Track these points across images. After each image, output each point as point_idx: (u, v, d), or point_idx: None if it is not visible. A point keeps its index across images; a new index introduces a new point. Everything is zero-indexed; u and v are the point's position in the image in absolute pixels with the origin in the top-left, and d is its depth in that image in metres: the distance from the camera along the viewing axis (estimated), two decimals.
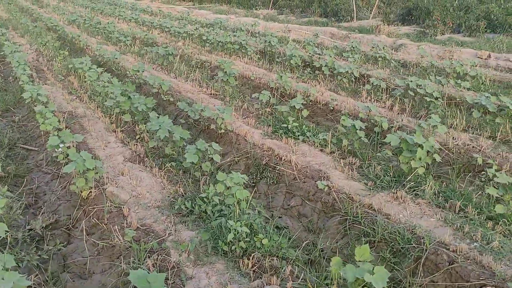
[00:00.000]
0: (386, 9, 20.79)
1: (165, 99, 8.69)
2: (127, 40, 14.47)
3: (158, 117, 6.38)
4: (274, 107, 7.72)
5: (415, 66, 10.91)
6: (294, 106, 7.09)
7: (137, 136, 6.88)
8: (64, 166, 5.79)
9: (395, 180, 5.15)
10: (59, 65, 11.99)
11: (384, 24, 17.72)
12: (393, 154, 5.45)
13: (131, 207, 4.79)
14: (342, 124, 6.03)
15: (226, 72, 8.89)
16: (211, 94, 9.24)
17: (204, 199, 4.59)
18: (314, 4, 22.93)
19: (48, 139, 6.84)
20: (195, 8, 28.32)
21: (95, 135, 6.97)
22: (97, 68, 10.26)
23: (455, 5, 18.45)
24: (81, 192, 5.09)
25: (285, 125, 6.79)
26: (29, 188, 5.76)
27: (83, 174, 5.00)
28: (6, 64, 12.61)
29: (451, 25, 16.80)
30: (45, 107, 7.24)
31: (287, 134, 6.67)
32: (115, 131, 7.14)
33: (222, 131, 6.82)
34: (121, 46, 14.58)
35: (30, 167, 6.38)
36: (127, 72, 10.72)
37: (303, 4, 24.08)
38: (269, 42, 12.77)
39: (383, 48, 12.45)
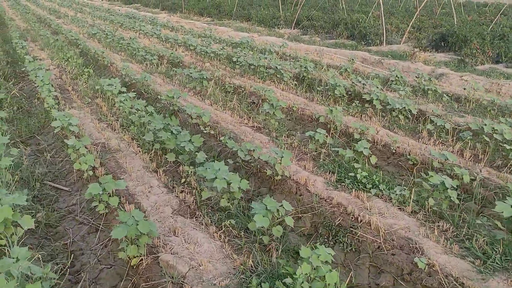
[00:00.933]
0: (417, 34, 20.05)
1: (205, 131, 7.89)
2: (153, 59, 13.76)
3: (210, 161, 5.58)
4: (333, 149, 6.87)
5: (470, 102, 10.07)
6: (360, 151, 6.25)
7: (183, 180, 6.05)
8: (104, 216, 4.99)
9: (507, 259, 4.28)
10: (84, 85, 11.26)
11: (419, 51, 16.94)
12: (503, 227, 4.59)
13: (193, 285, 3.94)
14: (427, 181, 5.18)
15: (272, 104, 8.09)
16: (253, 127, 8.44)
17: (289, 285, 3.72)
18: (341, 26, 22.22)
19: (81, 177, 6.08)
20: (215, 24, 27.71)
21: (134, 175, 6.15)
22: (125, 90, 9.54)
23: (489, 32, 17.69)
24: (130, 259, 4.26)
25: (352, 174, 5.95)
26: (63, 244, 4.93)
27: (135, 238, 4.17)
28: (27, 81, 11.90)
29: (490, 54, 16.01)
30: (78, 140, 6.46)
31: (356, 185, 5.83)
32: (157, 172, 6.33)
33: (279, 177, 5.99)
34: (147, 64, 13.86)
35: (62, 213, 5.56)
36: (158, 97, 9.96)
37: (328, 25, 23.39)
38: (305, 67, 12.00)
39: (429, 79, 11.64)
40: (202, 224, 4.95)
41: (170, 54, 14.66)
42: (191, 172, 6.07)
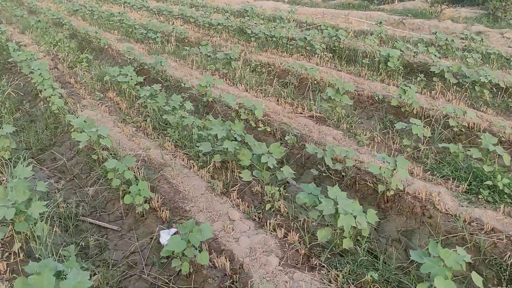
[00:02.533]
0: None
1: (260, 129, 6.44)
2: (157, 36, 12.02)
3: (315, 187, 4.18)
4: (438, 144, 5.51)
5: None
6: (486, 148, 4.91)
7: (267, 207, 4.63)
8: (188, 277, 3.62)
9: None
10: (87, 76, 9.56)
11: (446, 7, 15.50)
12: None
13: None
14: None
15: (338, 88, 6.64)
16: (312, 117, 7.00)
17: None
18: None
19: (130, 209, 4.64)
20: None
21: (201, 203, 4.71)
22: (141, 79, 7.97)
23: None
24: None
25: (489, 182, 4.62)
26: None
27: None
28: (16, 73, 10.11)
29: None
30: (117, 159, 4.96)
31: (500, 198, 4.51)
32: (228, 195, 4.90)
33: (391, 192, 4.64)
34: (150, 44, 12.12)
35: (121, 268, 4.12)
36: (182, 84, 8.39)
37: None
38: (336, 36, 10.47)
39: (471, 38, 10.28)
40: (332, 282, 3.58)
41: (173, 29, 12.91)
42: (277, 194, 4.65)
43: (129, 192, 4.56)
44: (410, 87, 6.71)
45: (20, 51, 9.90)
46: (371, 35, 11.15)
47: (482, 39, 10.23)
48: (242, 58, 10.09)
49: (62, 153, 6.45)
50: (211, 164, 5.39)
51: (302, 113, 7.12)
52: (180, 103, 6.60)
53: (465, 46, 10.39)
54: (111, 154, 5.77)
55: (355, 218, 3.69)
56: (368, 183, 4.90)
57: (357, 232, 3.89)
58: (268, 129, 6.41)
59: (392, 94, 7.60)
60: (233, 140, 5.14)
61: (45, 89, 7.57)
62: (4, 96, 8.15)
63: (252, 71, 9.43)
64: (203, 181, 5.17)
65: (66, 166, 6.07)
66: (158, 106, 6.76)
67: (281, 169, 4.69)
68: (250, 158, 4.77)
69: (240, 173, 5.01)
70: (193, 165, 5.49)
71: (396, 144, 5.94)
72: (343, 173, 5.14)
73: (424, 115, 6.74)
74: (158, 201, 4.70)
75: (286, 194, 4.81)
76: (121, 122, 7.06)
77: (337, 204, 3.77)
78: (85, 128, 5.69)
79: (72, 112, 7.37)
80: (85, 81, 9.19)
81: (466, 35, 10.49)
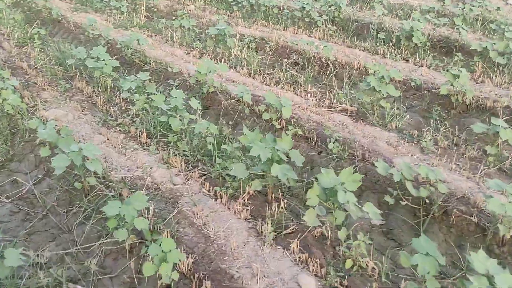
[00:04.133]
0: None
1: (289, 132, 5.01)
2: (121, 6, 10.11)
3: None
4: None
5: None
6: None
7: (348, 263, 3.27)
8: None
9: None
10: (41, 57, 7.66)
11: None
12: None
13: None
14: None
15: (383, 76, 5.27)
16: (345, 111, 5.63)
17: None
18: None
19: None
20: None
21: (251, 261, 3.29)
22: (118, 63, 6.31)
23: None
24: None
25: None
26: None
27: None
28: None
29: None
30: (105, 185, 3.44)
31: None
32: (280, 241, 3.49)
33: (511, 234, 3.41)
34: (115, 15, 10.19)
35: None
36: (169, 69, 6.77)
37: None
38: (337, 4, 9.03)
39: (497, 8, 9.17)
40: None
41: None
42: (363, 246, 3.30)
43: (147, 253, 3.07)
44: (463, 73, 5.46)
45: None
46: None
47: (499, 7, 9.11)
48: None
49: (26, 172, 4.78)
50: (246, 192, 3.95)
51: (330, 107, 5.73)
52: (184, 100, 5.02)
53: (478, 15, 9.25)
54: (99, 179, 4.18)
55: None
56: (467, 216, 3.64)
57: None
58: (300, 132, 4.99)
59: (429, 78, 6.36)
60: (278, 161, 3.72)
61: None
62: None
63: (246, 48, 7.86)
64: (239, 219, 3.74)
65: (34, 193, 4.43)
66: (153, 105, 5.15)
67: (358, 205, 3.32)
68: (318, 194, 3.35)
69: (287, 203, 3.61)
70: (220, 194, 4.02)
71: (469, 151, 4.69)
72: (426, 200, 3.85)
73: (480, 107, 5.54)
74: (188, 264, 3.23)
75: (370, 242, 3.47)
76: (102, 125, 5.40)
77: (493, 279, 2.48)
78: (60, 143, 4.08)
79: (33, 111, 5.63)
80: (41, 65, 7.32)
81: (479, 2, 9.32)
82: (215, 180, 4.24)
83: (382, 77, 5.26)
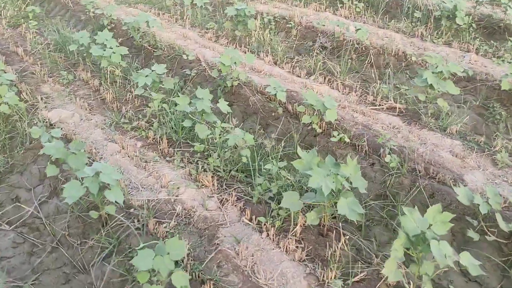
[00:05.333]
0: None
1: (334, 139, 4.31)
2: None
3: None
4: None
5: None
6: None
7: None
8: None
9: None
10: (38, 40, 6.83)
11: None
12: None
13: None
14: None
15: (441, 71, 4.52)
16: (393, 109, 4.90)
17: None
18: None
19: None
20: None
21: None
22: (126, 51, 5.54)
23: None
24: None
25: None
26: None
27: None
28: None
29: None
30: (126, 212, 2.77)
31: None
32: None
33: None
34: None
35: None
36: (184, 56, 5.98)
37: None
38: None
39: None
40: None
41: None
42: None
43: None
44: None
45: None
46: None
47: None
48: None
49: (29, 188, 4.09)
50: (298, 225, 3.27)
51: (375, 104, 5.00)
52: (211, 101, 4.28)
53: None
54: (119, 207, 3.49)
55: None
56: None
57: None
58: (346, 139, 4.28)
59: (479, 66, 5.62)
60: (340, 190, 3.04)
61: None
62: None
63: (265, 29, 7.02)
64: (293, 260, 3.08)
65: (40, 217, 3.75)
66: (174, 109, 4.41)
67: (454, 255, 2.66)
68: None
69: (349, 238, 2.95)
70: (265, 226, 3.34)
71: None
72: None
73: None
74: None
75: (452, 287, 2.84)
76: (114, 128, 4.66)
77: None
78: (71, 161, 3.39)
79: (33, 111, 4.88)
80: (38, 51, 6.51)
81: None
82: (257, 206, 3.55)
83: (441, 71, 4.51)
